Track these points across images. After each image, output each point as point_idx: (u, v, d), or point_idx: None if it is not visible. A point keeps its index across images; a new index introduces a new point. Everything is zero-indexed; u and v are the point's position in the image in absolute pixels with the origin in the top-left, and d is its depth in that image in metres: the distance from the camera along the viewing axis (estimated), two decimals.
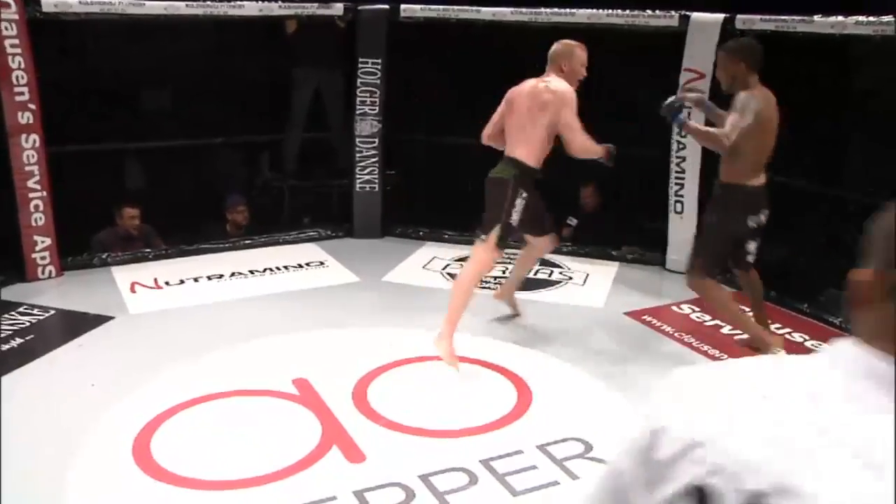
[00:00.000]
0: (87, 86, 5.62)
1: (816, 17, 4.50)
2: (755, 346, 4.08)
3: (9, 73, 4.63)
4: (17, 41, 4.64)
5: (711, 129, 3.88)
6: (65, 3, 4.79)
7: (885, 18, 4.19)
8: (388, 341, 4.16)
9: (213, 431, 3.33)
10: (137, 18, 4.98)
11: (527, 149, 3.93)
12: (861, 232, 0.82)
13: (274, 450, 3.18)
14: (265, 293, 4.93)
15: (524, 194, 3.93)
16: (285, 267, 5.37)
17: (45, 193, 4.84)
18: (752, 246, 3.99)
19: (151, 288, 4.93)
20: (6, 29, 4.61)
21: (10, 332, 4.16)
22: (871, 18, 4.25)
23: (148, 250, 5.41)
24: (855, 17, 4.32)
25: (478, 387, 3.75)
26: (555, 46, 3.99)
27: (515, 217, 3.93)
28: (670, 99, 4.00)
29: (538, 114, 3.88)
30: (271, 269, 5.31)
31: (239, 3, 5.24)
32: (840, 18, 4.39)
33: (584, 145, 3.90)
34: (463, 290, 3.89)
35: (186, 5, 5.08)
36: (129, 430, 3.29)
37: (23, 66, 4.66)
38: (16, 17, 4.63)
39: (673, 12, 5.02)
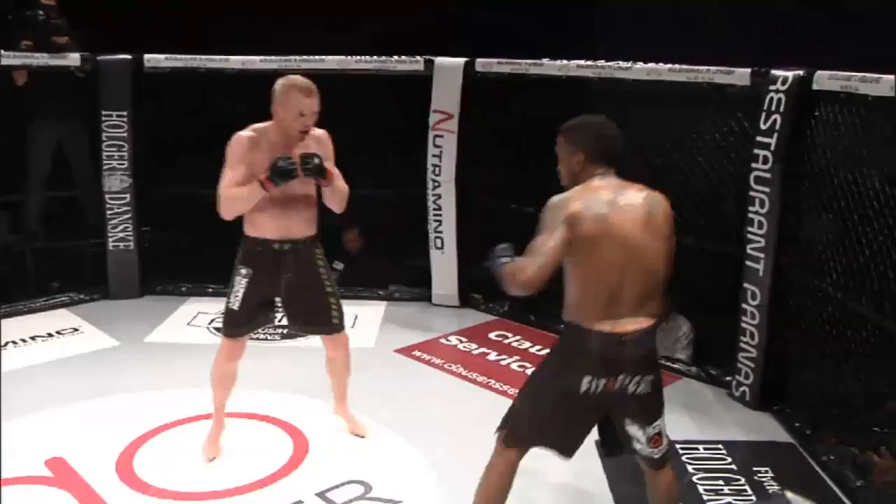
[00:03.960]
0: None
1: (545, 61, 4.90)
2: None
3: None
4: None
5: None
6: None
7: (600, 62, 4.64)
8: (154, 405, 3.95)
9: None
10: None
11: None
12: None
13: None
14: (10, 368, 4.46)
15: (242, 270, 3.33)
16: (32, 338, 4.93)
17: None
18: (634, 429, 2.55)
19: None
20: None
21: None
22: (592, 62, 4.68)
23: None
24: (577, 61, 4.74)
25: (251, 442, 3.65)
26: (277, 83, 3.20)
27: (234, 300, 3.34)
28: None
29: None
30: (15, 342, 4.85)
31: None
32: (565, 62, 4.80)
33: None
34: (213, 382, 3.50)
35: None
36: None
37: None
38: None
39: (418, 57, 5.25)
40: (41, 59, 5.25)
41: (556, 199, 2.46)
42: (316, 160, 3.11)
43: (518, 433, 2.58)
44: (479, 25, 6.28)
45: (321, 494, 3.22)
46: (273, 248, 3.27)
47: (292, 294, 3.36)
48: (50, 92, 5.49)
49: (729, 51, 4.37)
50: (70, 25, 5.59)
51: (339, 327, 3.50)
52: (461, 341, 4.97)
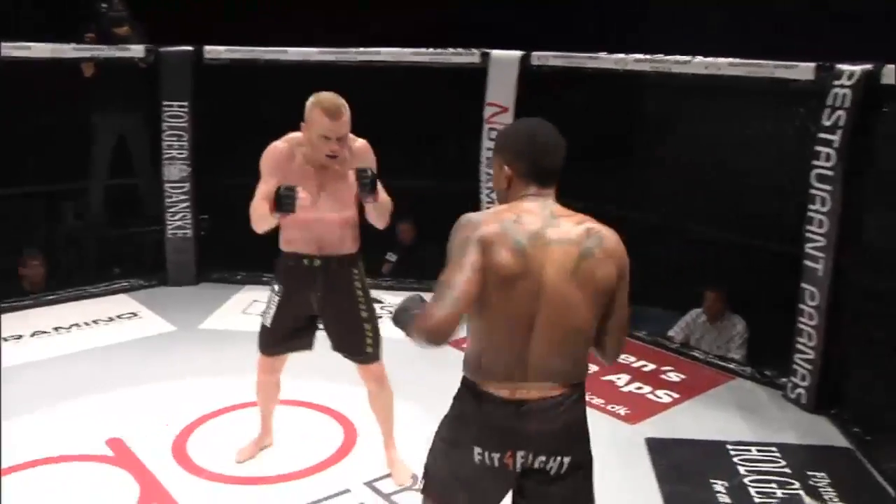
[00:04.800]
0: None
1: (602, 55, 4.85)
2: None
3: None
4: None
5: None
6: None
7: (657, 57, 4.58)
8: (208, 391, 4.04)
9: None
10: None
11: None
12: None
13: None
14: (73, 351, 4.62)
15: (275, 287, 3.16)
16: (94, 321, 5.07)
17: None
18: None
19: None
20: None
21: None
22: (649, 56, 4.62)
23: None
24: (634, 55, 4.69)
25: (302, 430, 3.71)
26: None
27: (267, 317, 3.21)
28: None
29: None
30: (78, 325, 5.00)
31: (27, 44, 4.97)
32: (622, 56, 4.75)
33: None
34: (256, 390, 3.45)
35: None
36: None
37: None
38: None
39: (474, 50, 5.25)
40: (107, 50, 5.39)
41: (466, 217, 1.95)
42: (370, 175, 2.87)
43: (429, 489, 2.11)
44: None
45: (369, 484, 3.26)
46: (303, 264, 3.05)
47: (326, 314, 3.14)
48: (113, 83, 5.63)
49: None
50: (133, 16, 5.71)
51: (372, 357, 3.18)
52: None
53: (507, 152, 1.99)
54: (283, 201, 2.79)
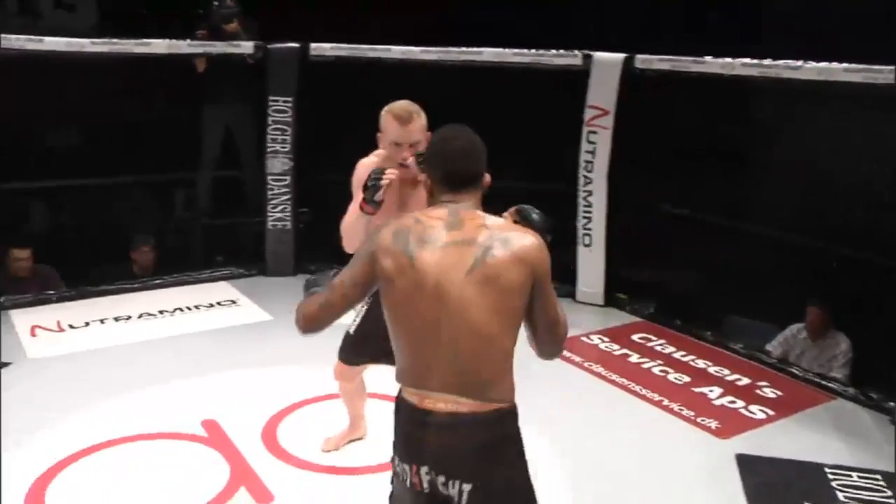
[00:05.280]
0: None
1: (708, 58, 4.73)
2: None
3: None
4: None
5: None
6: None
7: (766, 62, 4.42)
8: (300, 379, 4.13)
9: (116, 477, 3.25)
10: (38, 55, 4.91)
11: None
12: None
13: (180, 493, 3.14)
14: (175, 334, 4.83)
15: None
16: (196, 307, 5.27)
17: None
18: None
19: (53, 331, 4.77)
20: None
21: None
22: (757, 61, 4.48)
23: (51, 292, 5.24)
24: (742, 60, 4.54)
25: (389, 424, 3.73)
26: None
27: (353, 324, 3.09)
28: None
29: None
30: (181, 309, 5.21)
31: (146, 40, 5.20)
32: (729, 60, 4.61)
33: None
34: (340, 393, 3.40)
35: (92, 42, 5.04)
36: (23, 480, 3.18)
37: None
38: None
39: (577, 52, 5.20)
40: (219, 47, 5.59)
41: (376, 228, 2.01)
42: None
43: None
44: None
45: None
46: None
47: None
48: (224, 77, 5.84)
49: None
50: (243, 13, 5.89)
51: None
52: (603, 341, 4.89)
53: (426, 160, 2.03)
54: (369, 184, 2.64)
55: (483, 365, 1.86)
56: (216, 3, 5.80)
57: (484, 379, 1.86)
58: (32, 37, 4.90)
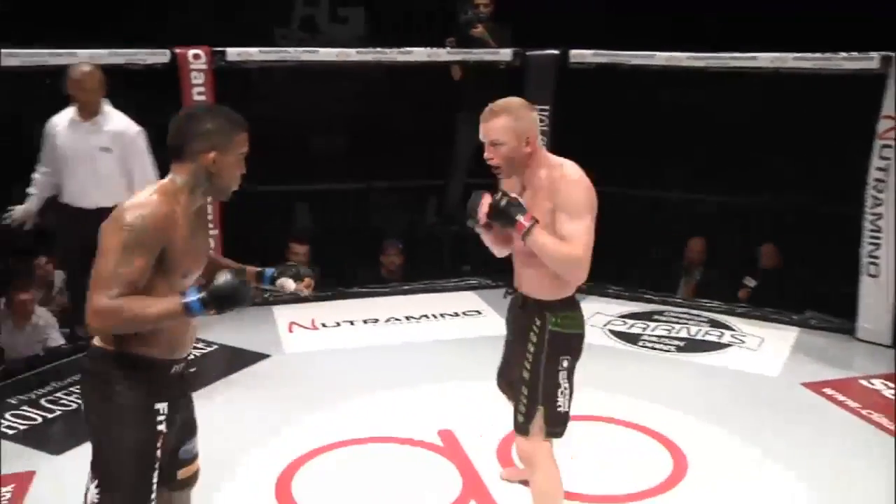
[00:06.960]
0: (263, 131, 5.88)
1: None
2: None
3: None
4: (203, 89, 4.91)
5: None
6: (247, 53, 5.04)
7: None
8: None
9: (354, 476, 3.29)
10: (311, 65, 5.17)
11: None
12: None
13: (412, 500, 3.12)
14: (419, 340, 4.86)
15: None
16: (441, 315, 5.28)
17: (216, 231, 5.02)
18: None
19: (308, 328, 4.99)
20: (195, 78, 4.90)
21: None
22: None
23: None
24: None
25: (628, 450, 3.51)
26: None
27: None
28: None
29: None
30: (427, 316, 5.23)
31: (408, 49, 5.30)
32: None
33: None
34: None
35: (357, 52, 5.23)
36: (273, 469, 3.31)
37: None
38: (204, 66, 4.91)
39: (873, 53, 4.57)
40: (477, 53, 5.57)
41: None
42: (503, 203, 2.44)
43: None
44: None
45: None
46: (510, 294, 2.75)
47: None
48: (479, 85, 5.81)
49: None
50: (490, 18, 5.78)
51: (521, 428, 2.60)
52: (888, 387, 4.22)
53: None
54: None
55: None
56: (466, 13, 5.81)
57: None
58: (308, 48, 5.20)
